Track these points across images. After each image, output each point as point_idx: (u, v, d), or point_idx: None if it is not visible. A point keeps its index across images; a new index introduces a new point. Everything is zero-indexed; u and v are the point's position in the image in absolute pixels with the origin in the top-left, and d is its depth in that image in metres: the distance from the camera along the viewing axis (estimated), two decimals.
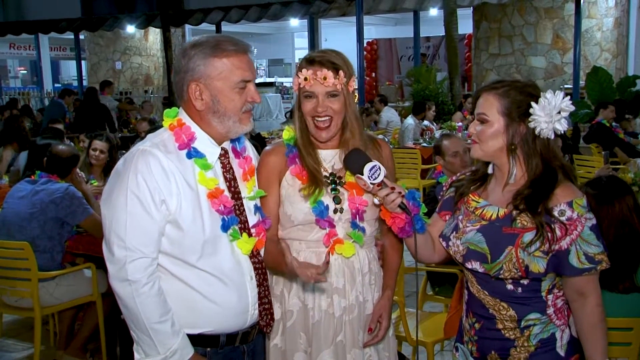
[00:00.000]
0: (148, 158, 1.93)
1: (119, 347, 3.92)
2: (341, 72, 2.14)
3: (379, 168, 1.97)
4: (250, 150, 2.23)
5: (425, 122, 10.26)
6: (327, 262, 2.00)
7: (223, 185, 2.05)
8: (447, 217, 2.14)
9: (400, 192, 1.96)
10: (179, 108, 2.09)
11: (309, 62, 2.16)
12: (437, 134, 9.92)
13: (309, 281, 2.00)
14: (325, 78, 2.12)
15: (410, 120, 10.03)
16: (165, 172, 1.93)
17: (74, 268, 4.16)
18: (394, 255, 2.34)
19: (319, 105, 2.14)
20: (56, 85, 24.01)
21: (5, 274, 4.03)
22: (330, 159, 2.25)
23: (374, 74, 20.57)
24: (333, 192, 2.20)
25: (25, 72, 28.69)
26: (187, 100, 2.02)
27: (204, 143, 2.03)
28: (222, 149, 2.09)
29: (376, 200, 2.01)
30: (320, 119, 2.16)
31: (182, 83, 2.01)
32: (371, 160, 1.99)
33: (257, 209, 2.15)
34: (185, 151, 2.00)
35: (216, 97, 1.99)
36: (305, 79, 2.13)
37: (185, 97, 2.02)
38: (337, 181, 2.22)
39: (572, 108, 1.91)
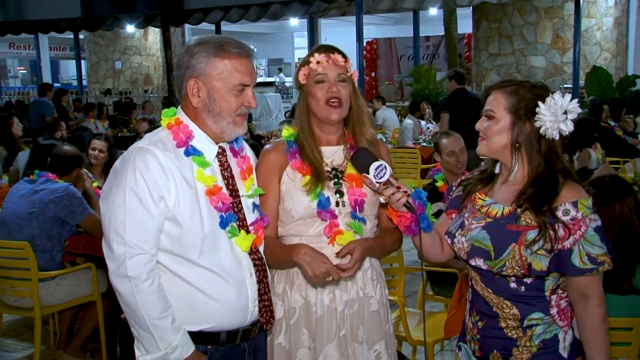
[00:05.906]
0: (146, 155, 1.95)
1: (119, 347, 3.94)
2: (348, 59, 2.25)
3: (385, 167, 2.00)
4: (247, 150, 2.25)
5: (422, 123, 10.29)
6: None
7: (221, 183, 2.07)
8: (454, 216, 2.16)
9: (405, 192, 1.99)
10: (177, 108, 2.12)
11: (318, 49, 2.25)
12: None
13: (316, 281, 2.07)
14: (337, 60, 2.21)
15: (409, 120, 10.04)
16: (163, 169, 1.94)
17: (74, 268, 4.16)
18: (389, 235, 2.29)
19: (332, 86, 2.20)
20: (56, 84, 23.99)
21: (5, 273, 4.03)
22: (330, 155, 2.28)
23: (373, 74, 20.58)
24: (335, 186, 2.23)
25: (25, 71, 28.71)
26: (185, 97, 2.05)
27: (202, 141, 2.05)
28: (220, 147, 2.11)
29: (382, 199, 2.03)
30: (333, 100, 2.20)
31: (182, 79, 2.04)
32: (377, 160, 2.02)
33: (255, 206, 2.16)
34: (183, 149, 2.01)
35: (212, 96, 2.01)
36: (318, 62, 2.20)
37: (183, 93, 2.06)
38: (339, 175, 2.24)
39: (579, 110, 1.92)
